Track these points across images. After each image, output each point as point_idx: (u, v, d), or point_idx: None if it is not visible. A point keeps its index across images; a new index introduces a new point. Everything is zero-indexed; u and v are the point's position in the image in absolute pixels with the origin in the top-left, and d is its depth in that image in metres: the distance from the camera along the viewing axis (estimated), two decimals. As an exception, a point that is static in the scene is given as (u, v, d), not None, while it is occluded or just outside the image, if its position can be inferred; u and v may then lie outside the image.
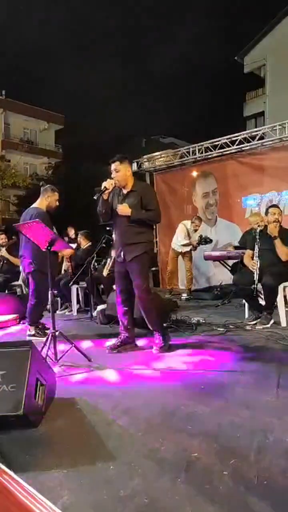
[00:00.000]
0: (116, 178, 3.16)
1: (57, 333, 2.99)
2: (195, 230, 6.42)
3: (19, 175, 21.81)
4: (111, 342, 3.40)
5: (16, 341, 2.09)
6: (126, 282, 3.26)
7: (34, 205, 4.02)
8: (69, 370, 2.80)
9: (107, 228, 5.59)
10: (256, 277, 3.98)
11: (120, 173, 3.16)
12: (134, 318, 3.65)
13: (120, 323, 3.40)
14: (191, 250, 6.43)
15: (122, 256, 3.22)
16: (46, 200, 3.98)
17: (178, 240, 6.36)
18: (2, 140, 25.24)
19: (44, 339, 3.21)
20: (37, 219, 3.10)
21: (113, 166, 3.18)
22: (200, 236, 6.18)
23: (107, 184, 3.12)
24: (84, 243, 5.86)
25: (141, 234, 3.19)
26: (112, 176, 3.17)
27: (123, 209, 3.13)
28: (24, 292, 6.19)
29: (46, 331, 3.78)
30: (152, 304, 3.23)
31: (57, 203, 4.02)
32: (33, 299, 3.87)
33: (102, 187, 3.11)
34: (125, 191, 3.23)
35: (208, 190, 7.41)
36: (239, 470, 1.50)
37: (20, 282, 6.24)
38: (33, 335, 3.81)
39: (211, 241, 6.17)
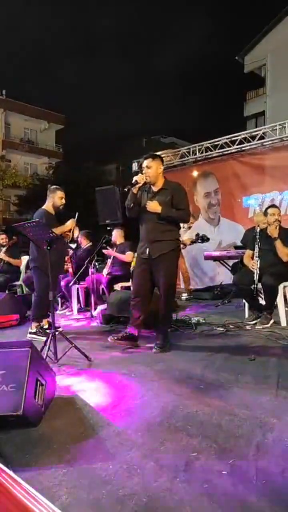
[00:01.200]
0: (147, 175, 3.18)
1: (57, 333, 2.99)
2: (189, 227, 6.39)
3: (20, 175, 21.83)
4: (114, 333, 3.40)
5: (16, 341, 2.10)
6: (145, 278, 3.25)
7: (42, 207, 4.06)
8: (69, 369, 2.80)
9: (108, 228, 5.60)
10: (256, 277, 3.98)
11: (152, 169, 3.19)
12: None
13: (131, 317, 3.37)
14: (182, 248, 6.38)
15: (147, 252, 3.21)
16: (51, 200, 4.02)
17: None
18: (3, 140, 25.28)
19: (44, 338, 3.25)
20: (37, 219, 3.10)
21: (145, 163, 3.22)
22: (197, 234, 6.14)
23: (139, 178, 3.14)
24: (85, 243, 5.86)
25: (168, 232, 3.20)
26: (144, 172, 3.19)
27: (153, 206, 3.13)
28: (24, 292, 6.20)
29: (47, 331, 3.76)
30: (172, 304, 3.27)
31: (63, 201, 4.02)
32: (35, 295, 3.92)
33: (133, 180, 3.13)
34: (155, 189, 3.24)
35: (209, 190, 7.40)
36: (238, 470, 1.50)
37: (20, 282, 6.25)
38: (34, 333, 3.83)
39: (208, 239, 6.13)
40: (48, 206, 4.01)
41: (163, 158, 3.35)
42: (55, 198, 3.99)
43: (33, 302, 3.96)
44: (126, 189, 3.19)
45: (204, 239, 6.03)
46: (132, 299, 3.36)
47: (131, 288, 3.45)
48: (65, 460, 1.62)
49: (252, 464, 1.54)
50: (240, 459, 1.57)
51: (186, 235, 6.32)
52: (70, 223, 3.91)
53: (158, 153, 7.99)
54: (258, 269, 4.01)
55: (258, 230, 4.26)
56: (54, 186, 4.21)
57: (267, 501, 1.32)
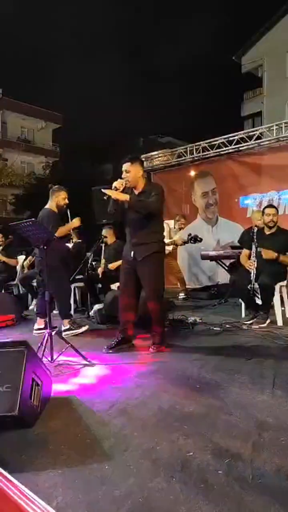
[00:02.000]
0: (127, 179, 3.16)
1: (53, 333, 2.98)
2: (180, 228, 6.39)
3: (16, 174, 21.76)
4: (108, 341, 3.40)
5: (12, 341, 2.09)
6: (131, 280, 3.25)
7: (45, 206, 4.08)
8: (65, 370, 2.80)
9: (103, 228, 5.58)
10: (253, 276, 3.99)
11: (131, 174, 3.16)
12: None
13: (120, 320, 3.39)
14: (173, 249, 6.36)
15: (131, 255, 3.21)
16: (54, 200, 4.04)
17: None
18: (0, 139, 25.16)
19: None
20: (33, 219, 3.09)
21: (124, 167, 3.18)
22: (189, 235, 6.12)
23: (117, 184, 3.11)
24: (75, 240, 5.84)
25: (153, 234, 3.19)
26: (123, 176, 3.17)
27: (120, 195, 3.06)
28: (21, 291, 6.19)
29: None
30: (160, 304, 3.24)
31: (66, 201, 4.05)
32: (56, 297, 3.91)
33: (113, 187, 3.10)
34: (136, 192, 3.23)
35: (207, 189, 7.40)
36: (234, 469, 1.50)
37: (16, 281, 6.23)
38: (68, 329, 3.90)
39: (200, 240, 6.10)
40: (51, 205, 4.03)
41: (143, 160, 3.29)
42: (58, 198, 4.02)
43: (57, 303, 3.97)
44: (105, 198, 3.13)
45: (196, 239, 6.01)
46: (120, 302, 3.37)
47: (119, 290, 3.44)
48: (61, 460, 1.62)
49: (248, 464, 1.54)
50: (236, 459, 1.57)
51: (177, 235, 6.31)
52: (76, 221, 3.96)
53: (154, 152, 8.05)
54: (255, 269, 4.02)
55: (255, 230, 4.27)
56: (57, 186, 4.21)
57: (263, 500, 1.32)
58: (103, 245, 5.42)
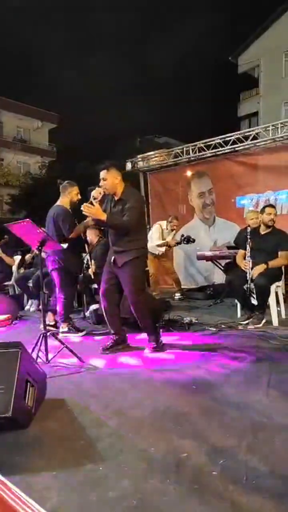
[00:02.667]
0: (104, 187, 3.15)
1: (48, 333, 2.97)
2: (172, 230, 6.38)
3: (13, 174, 21.68)
4: (104, 342, 3.39)
5: (6, 342, 2.07)
6: (112, 282, 3.26)
7: (57, 203, 4.01)
8: (60, 370, 2.79)
9: (102, 228, 5.55)
10: (248, 277, 4.00)
11: (108, 181, 3.14)
12: (126, 318, 3.65)
13: (108, 324, 3.39)
14: (166, 250, 6.35)
15: (112, 261, 3.23)
16: (67, 196, 3.96)
17: (153, 241, 6.18)
18: (-5, 138, 25.06)
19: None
20: (28, 219, 3.07)
21: (100, 175, 3.17)
22: (182, 235, 6.12)
23: (95, 193, 3.10)
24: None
25: (132, 241, 3.17)
26: (100, 184, 3.16)
27: (96, 212, 3.03)
28: (17, 292, 6.16)
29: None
30: (144, 307, 3.22)
31: (79, 196, 3.99)
32: (61, 296, 3.91)
33: (91, 197, 3.10)
34: (116, 198, 3.22)
35: (203, 189, 7.41)
36: (228, 470, 1.50)
37: (12, 282, 6.20)
38: (67, 332, 3.89)
39: (194, 240, 6.10)
40: (64, 202, 3.95)
41: (118, 165, 3.26)
42: (72, 194, 3.95)
43: (60, 304, 3.94)
44: (83, 212, 3.08)
45: (189, 240, 6.01)
46: (103, 307, 3.37)
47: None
48: (55, 462, 1.61)
49: (243, 464, 1.54)
50: (230, 460, 1.57)
51: (170, 236, 6.31)
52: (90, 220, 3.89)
53: (151, 152, 8.04)
54: (250, 269, 4.02)
55: (249, 230, 4.28)
56: (68, 182, 4.11)
57: (258, 501, 1.32)
58: (86, 245, 5.34)
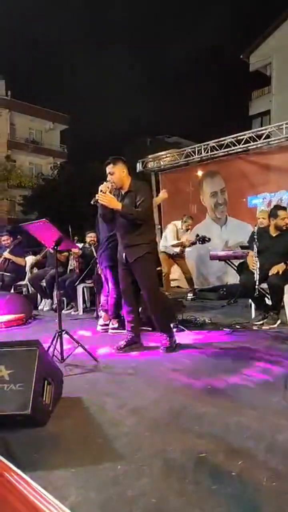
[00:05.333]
0: (112, 181, 3.15)
1: (63, 332, 2.99)
2: (187, 229, 6.34)
3: (25, 175, 21.90)
4: (118, 342, 3.40)
5: (24, 340, 2.10)
6: (129, 281, 3.28)
7: None
8: (76, 369, 2.80)
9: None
10: (256, 277, 3.96)
11: (115, 175, 3.16)
12: (140, 318, 3.65)
13: (126, 322, 3.41)
14: (181, 250, 6.32)
15: (124, 257, 3.23)
16: None
17: (168, 241, 6.21)
18: (8, 140, 25.35)
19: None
20: (43, 219, 3.10)
21: (107, 170, 3.18)
22: (197, 235, 6.08)
23: (103, 187, 3.11)
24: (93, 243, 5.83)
25: (142, 235, 3.18)
26: (108, 179, 3.16)
27: (112, 202, 3.04)
28: (30, 291, 6.22)
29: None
30: (159, 305, 3.24)
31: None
32: (114, 294, 3.98)
33: (99, 191, 3.11)
34: (123, 192, 3.23)
35: (216, 189, 7.37)
36: (247, 471, 1.49)
37: (26, 281, 6.27)
38: (117, 328, 4.00)
39: (209, 240, 6.06)
40: None
41: (124, 159, 3.26)
42: None
43: (112, 301, 4.04)
44: (92, 202, 3.12)
45: (205, 240, 5.96)
46: (125, 306, 3.40)
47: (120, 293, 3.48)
48: (73, 460, 1.62)
49: (262, 466, 1.52)
50: (249, 460, 1.56)
51: (184, 236, 6.27)
52: None
53: (162, 152, 8.04)
54: (258, 269, 3.98)
55: (256, 229, 4.23)
56: None
57: (277, 503, 1.31)
58: (92, 248, 5.36)
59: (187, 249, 6.50)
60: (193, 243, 6.10)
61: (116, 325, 4.05)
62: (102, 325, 4.23)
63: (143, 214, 3.14)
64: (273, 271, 3.88)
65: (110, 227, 3.86)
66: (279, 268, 3.87)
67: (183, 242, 6.16)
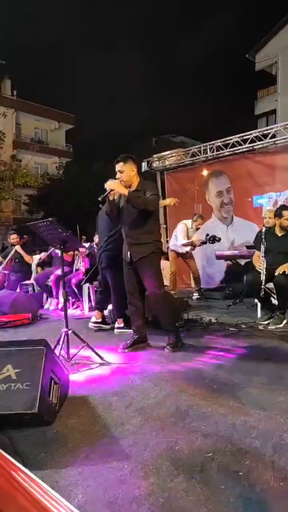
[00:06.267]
0: (121, 179, 3.15)
1: (69, 332, 3.00)
2: (197, 229, 6.32)
3: (30, 175, 21.98)
4: (124, 341, 3.40)
5: (31, 339, 2.11)
6: (134, 281, 3.27)
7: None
8: (82, 369, 2.81)
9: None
10: (263, 277, 3.94)
11: (125, 173, 3.16)
12: (146, 317, 3.65)
13: (132, 322, 3.41)
14: (191, 250, 6.31)
15: (128, 256, 3.22)
16: None
17: (179, 240, 6.20)
18: (14, 140, 25.46)
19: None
20: (50, 219, 3.11)
21: (117, 167, 3.18)
22: (207, 235, 6.06)
23: (110, 185, 3.12)
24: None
25: (148, 234, 3.18)
26: (117, 177, 3.17)
27: (118, 186, 3.06)
28: (36, 291, 6.25)
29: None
30: (165, 304, 3.23)
31: None
32: (116, 293, 3.97)
33: (107, 189, 3.11)
34: (131, 190, 3.22)
35: (221, 188, 7.35)
36: (254, 471, 1.48)
37: (32, 281, 6.29)
38: (122, 328, 3.98)
39: (219, 239, 6.03)
40: None
41: (135, 158, 3.25)
42: None
43: (115, 300, 4.03)
44: (100, 199, 3.13)
45: (215, 239, 5.93)
46: (130, 306, 3.39)
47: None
48: (80, 459, 1.63)
49: (269, 466, 1.52)
50: (256, 460, 1.56)
51: (195, 236, 6.26)
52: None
53: (167, 152, 8.03)
54: (264, 269, 3.96)
55: (263, 229, 4.21)
56: None
57: (285, 504, 1.30)
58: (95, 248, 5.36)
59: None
60: (204, 243, 6.07)
61: (121, 325, 4.03)
62: (94, 323, 4.22)
63: (151, 201, 3.13)
64: (279, 270, 3.85)
65: (110, 227, 3.86)
66: (285, 267, 3.85)
67: (194, 241, 6.14)
